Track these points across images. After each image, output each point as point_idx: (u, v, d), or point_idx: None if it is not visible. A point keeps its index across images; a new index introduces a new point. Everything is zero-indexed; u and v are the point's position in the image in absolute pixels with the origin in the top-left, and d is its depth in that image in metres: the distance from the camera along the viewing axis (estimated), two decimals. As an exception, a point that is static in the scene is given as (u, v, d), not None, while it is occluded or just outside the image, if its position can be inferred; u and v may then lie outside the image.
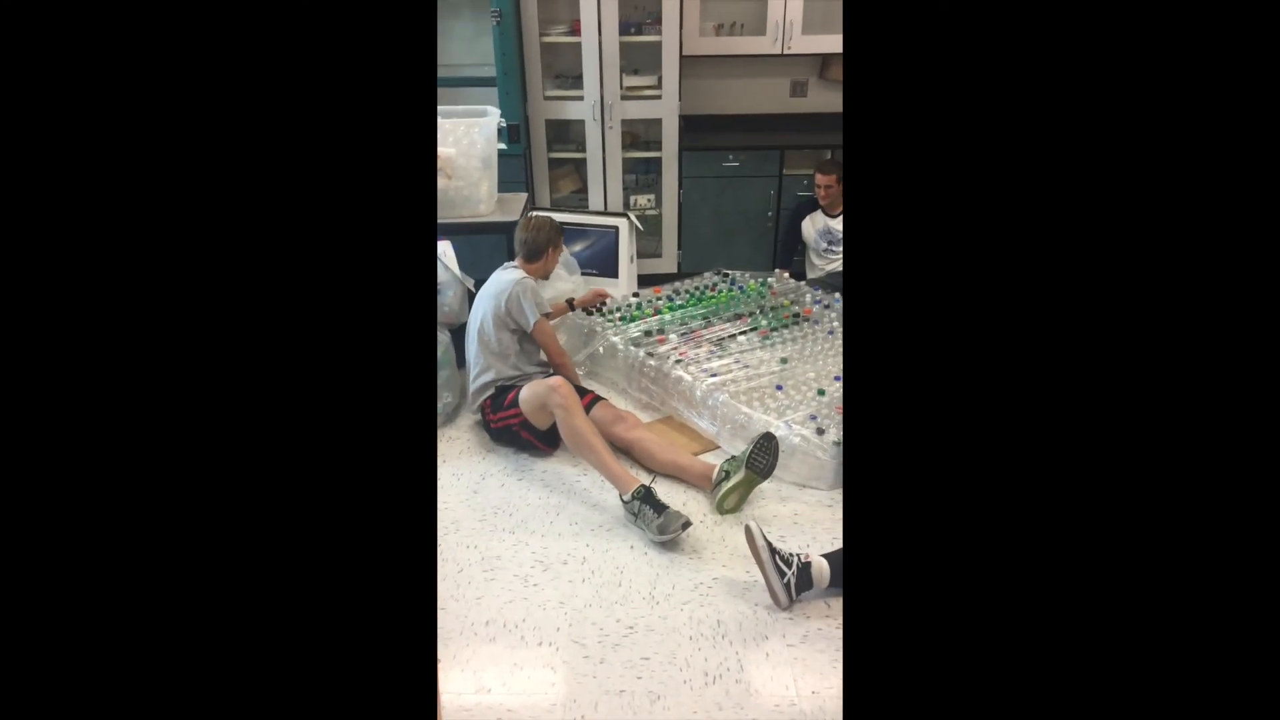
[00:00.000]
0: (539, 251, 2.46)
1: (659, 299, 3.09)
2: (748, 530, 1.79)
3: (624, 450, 2.30)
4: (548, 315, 2.44)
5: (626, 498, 2.01)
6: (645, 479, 2.08)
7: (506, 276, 2.40)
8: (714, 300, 3.05)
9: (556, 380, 2.21)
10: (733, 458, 2.11)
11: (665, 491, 2.13)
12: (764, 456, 2.06)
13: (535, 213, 2.59)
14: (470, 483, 2.27)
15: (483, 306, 2.42)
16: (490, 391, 2.40)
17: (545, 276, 2.56)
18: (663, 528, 1.92)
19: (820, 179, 3.22)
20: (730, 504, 2.07)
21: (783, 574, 1.74)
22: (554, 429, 2.25)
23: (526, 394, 2.26)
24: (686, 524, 1.93)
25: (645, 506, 1.96)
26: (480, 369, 2.42)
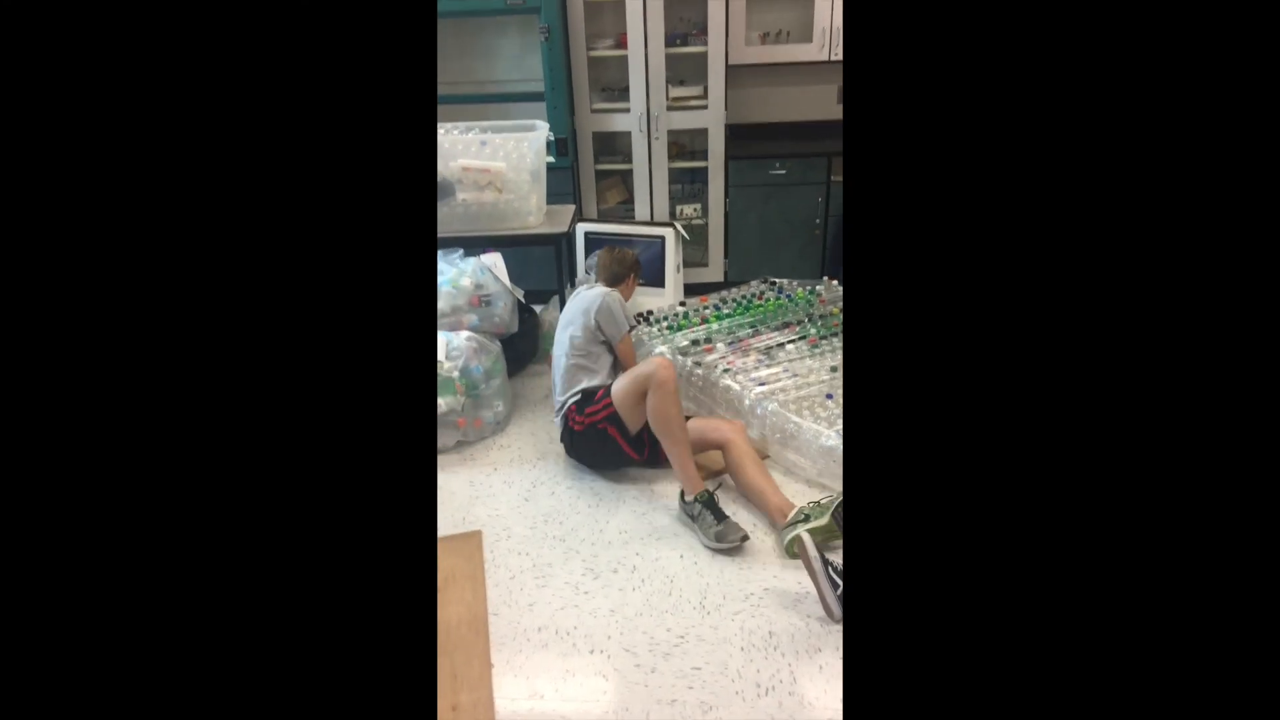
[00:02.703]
0: (619, 279, 2.53)
1: (706, 308, 3.09)
2: (800, 541, 1.77)
3: (715, 447, 2.21)
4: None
5: (689, 498, 2.00)
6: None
7: (592, 293, 2.38)
8: (761, 309, 3.03)
9: (664, 359, 2.14)
10: (817, 503, 2.01)
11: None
12: None
13: (617, 248, 2.69)
14: (521, 490, 2.31)
15: (570, 327, 2.37)
16: (577, 397, 2.31)
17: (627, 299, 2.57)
18: (721, 535, 1.91)
19: None
20: (798, 549, 1.93)
21: (836, 585, 1.71)
22: (641, 434, 2.19)
23: (623, 381, 2.16)
24: (745, 537, 1.91)
25: (706, 511, 1.95)
26: (566, 385, 2.35)
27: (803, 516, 1.96)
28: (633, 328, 2.42)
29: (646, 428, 2.18)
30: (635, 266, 2.58)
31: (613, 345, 2.36)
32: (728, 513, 2.03)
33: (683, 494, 2.02)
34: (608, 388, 2.26)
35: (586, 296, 2.39)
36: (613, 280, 2.52)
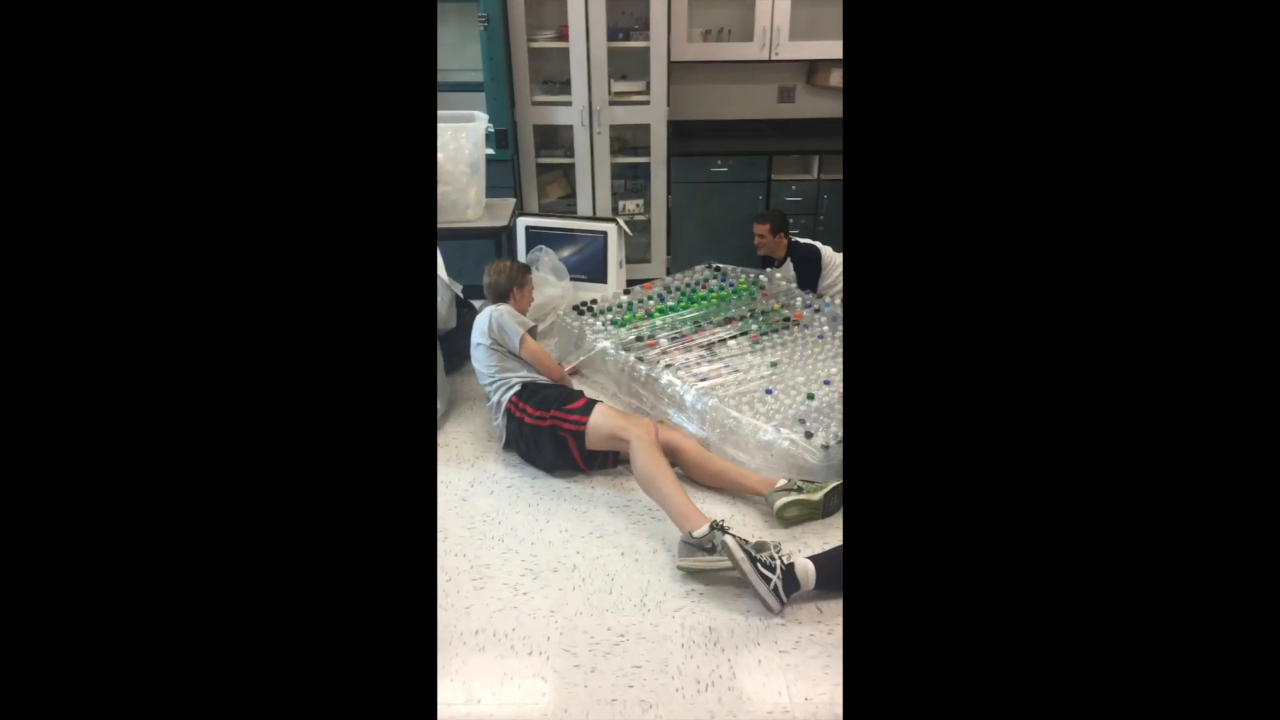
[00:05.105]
0: (504, 294, 2.50)
1: (650, 297, 3.07)
2: (725, 545, 1.76)
3: (666, 453, 2.17)
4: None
5: (699, 533, 1.83)
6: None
7: (482, 316, 2.42)
8: (705, 301, 3.04)
9: (649, 424, 2.13)
10: (810, 481, 2.09)
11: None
12: (838, 500, 2.07)
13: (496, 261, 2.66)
14: (459, 490, 2.25)
15: (478, 349, 2.40)
16: (517, 388, 2.34)
17: (524, 311, 2.56)
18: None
19: (755, 227, 3.26)
20: (791, 514, 2.04)
21: (768, 579, 1.73)
22: (595, 453, 2.20)
23: (604, 424, 2.15)
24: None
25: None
26: (496, 388, 2.37)
27: (797, 488, 2.06)
28: (531, 329, 2.43)
29: (601, 451, 2.20)
30: (517, 275, 2.52)
31: (516, 353, 2.37)
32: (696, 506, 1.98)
33: (690, 531, 1.85)
34: (586, 402, 2.25)
35: (480, 320, 2.42)
36: (499, 296, 2.50)
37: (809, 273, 3.20)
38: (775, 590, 1.72)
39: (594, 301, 3.03)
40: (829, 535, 2.01)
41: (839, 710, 1.51)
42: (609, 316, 2.94)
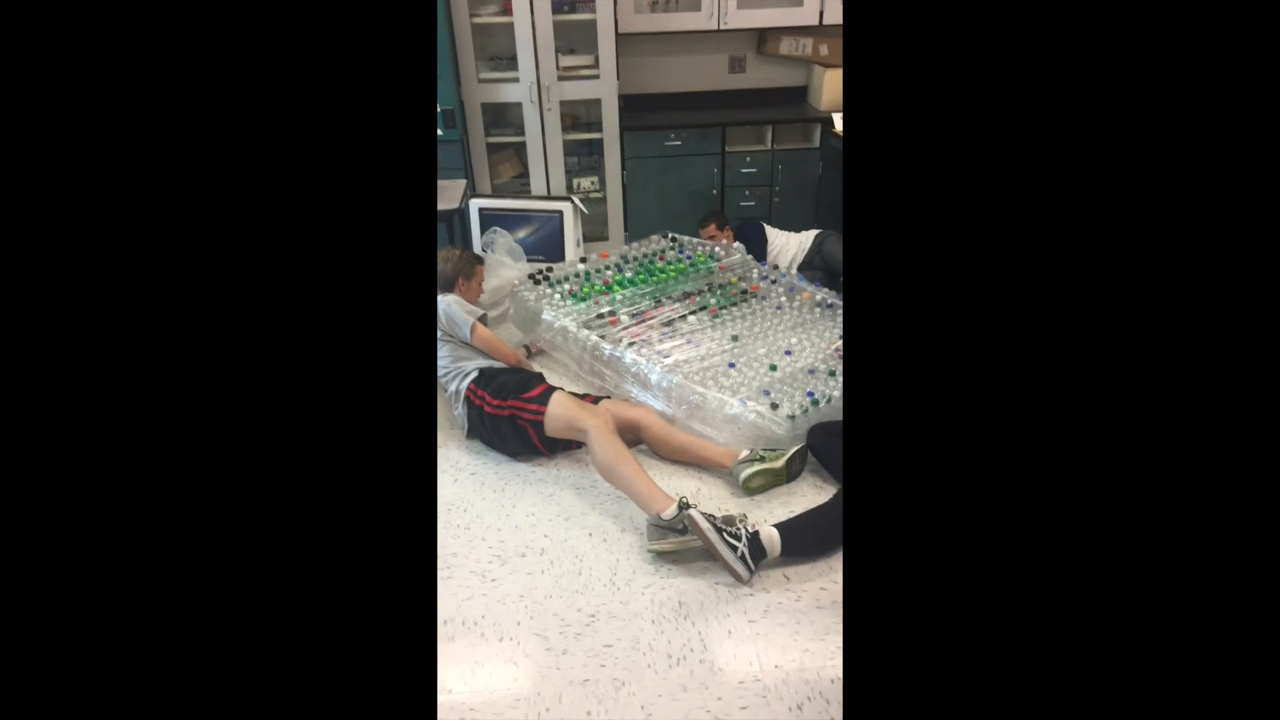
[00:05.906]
0: (449, 284, 2.46)
1: (607, 268, 3.01)
2: (690, 519, 1.77)
3: (631, 430, 2.21)
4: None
5: (669, 515, 1.82)
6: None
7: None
8: (663, 273, 3.01)
9: (605, 412, 2.12)
10: (770, 449, 2.10)
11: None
12: (800, 463, 2.10)
13: (448, 248, 2.59)
14: (422, 480, 2.22)
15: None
16: (474, 374, 2.31)
17: (474, 302, 2.52)
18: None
19: (700, 232, 3.24)
20: (757, 484, 2.06)
21: (734, 548, 1.74)
22: (554, 440, 2.19)
23: (561, 415, 2.12)
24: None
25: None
26: (451, 378, 2.35)
27: (760, 457, 2.07)
28: (481, 317, 2.39)
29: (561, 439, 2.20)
30: (464, 266, 2.47)
31: (469, 343, 2.34)
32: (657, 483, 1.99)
33: (660, 514, 1.84)
34: (543, 390, 2.21)
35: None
36: (444, 286, 2.45)
37: (755, 248, 3.24)
38: (743, 557, 1.73)
39: (550, 269, 2.96)
40: (794, 503, 2.03)
41: (809, 676, 1.53)
42: (566, 287, 2.89)
